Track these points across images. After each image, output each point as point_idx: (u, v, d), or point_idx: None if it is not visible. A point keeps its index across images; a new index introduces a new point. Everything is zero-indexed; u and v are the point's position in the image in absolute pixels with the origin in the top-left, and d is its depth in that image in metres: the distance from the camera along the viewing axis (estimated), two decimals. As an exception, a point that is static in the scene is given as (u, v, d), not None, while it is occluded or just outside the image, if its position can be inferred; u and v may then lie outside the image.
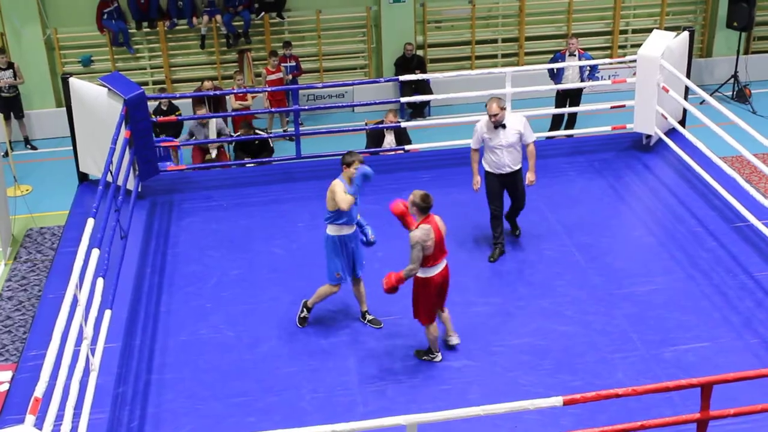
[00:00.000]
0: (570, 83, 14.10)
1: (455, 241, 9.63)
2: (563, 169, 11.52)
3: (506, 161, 9.27)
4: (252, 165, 12.90)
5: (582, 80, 14.20)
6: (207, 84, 15.23)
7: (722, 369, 7.72)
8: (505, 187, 9.48)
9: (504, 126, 9.15)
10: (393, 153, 12.55)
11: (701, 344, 8.12)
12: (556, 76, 14.33)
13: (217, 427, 7.45)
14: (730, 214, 10.12)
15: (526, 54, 18.17)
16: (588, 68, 14.23)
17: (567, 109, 14.08)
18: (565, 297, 8.88)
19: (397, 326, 8.53)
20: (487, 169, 9.40)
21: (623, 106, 12.35)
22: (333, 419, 6.19)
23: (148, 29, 17.18)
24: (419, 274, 7.71)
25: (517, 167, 9.37)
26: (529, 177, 9.42)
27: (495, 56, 18.26)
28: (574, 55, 14.29)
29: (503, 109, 9.10)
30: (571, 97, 14.45)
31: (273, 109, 14.69)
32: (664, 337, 8.25)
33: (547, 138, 12.74)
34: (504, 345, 8.22)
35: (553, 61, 14.43)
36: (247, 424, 7.37)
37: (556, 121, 14.56)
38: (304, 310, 8.63)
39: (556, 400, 6.02)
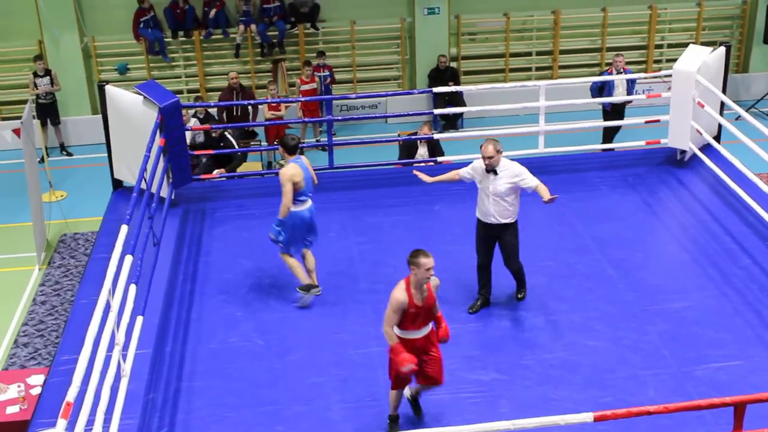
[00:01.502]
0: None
1: (471, 251, 9.61)
2: (596, 184, 11.47)
3: (491, 210, 8.55)
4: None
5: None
6: (232, 75, 15.33)
7: (755, 388, 7.62)
8: (494, 240, 8.74)
9: (495, 173, 8.48)
10: (425, 165, 12.54)
11: (734, 363, 8.03)
12: (603, 93, 14.11)
13: (246, 436, 7.47)
14: (765, 231, 10.01)
15: (560, 67, 18.15)
16: (631, 83, 14.14)
17: (601, 123, 13.96)
18: (597, 312, 8.82)
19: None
20: (477, 214, 8.79)
21: (658, 120, 12.27)
22: (361, 430, 6.17)
23: (183, 38, 17.35)
24: None
25: (505, 221, 8.57)
26: (546, 196, 8.41)
27: (529, 69, 18.25)
28: (621, 73, 14.10)
29: (499, 152, 8.47)
30: (618, 112, 14.29)
31: (306, 119, 14.74)
32: (697, 354, 8.17)
33: (590, 151, 12.74)
34: (534, 359, 8.18)
35: (597, 84, 14.24)
36: (276, 433, 7.39)
37: (608, 135, 14.34)
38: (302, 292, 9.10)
39: (587, 416, 5.98)
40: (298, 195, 8.85)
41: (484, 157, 8.47)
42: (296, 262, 9.08)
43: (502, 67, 18.10)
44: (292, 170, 8.77)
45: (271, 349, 8.48)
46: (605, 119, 14.36)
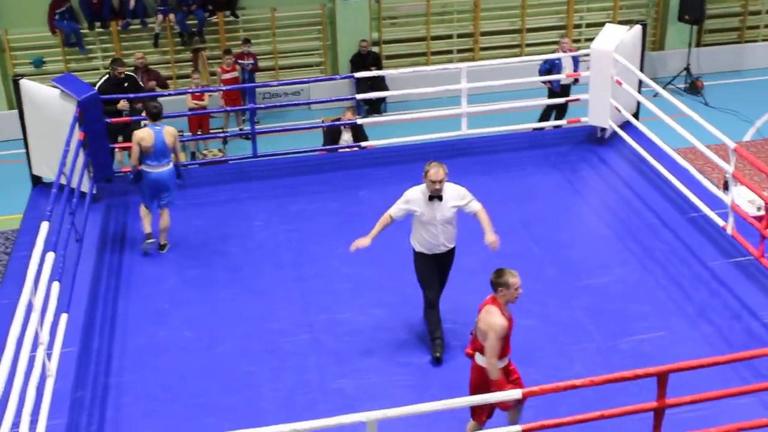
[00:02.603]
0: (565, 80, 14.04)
1: (407, 237, 9.67)
2: (520, 163, 11.59)
3: (442, 239, 7.84)
4: (207, 164, 12.82)
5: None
6: (138, 55, 15.04)
7: (678, 358, 7.79)
8: (440, 268, 8.08)
9: (440, 198, 7.74)
10: (349, 150, 12.54)
11: (657, 334, 8.21)
12: (551, 72, 14.13)
13: (178, 429, 7.40)
14: (685, 205, 10.23)
15: (482, 49, 18.26)
16: (575, 62, 14.21)
17: (529, 103, 13.98)
18: (524, 290, 8.88)
19: (355, 324, 8.53)
20: (418, 249, 7.93)
21: (578, 99, 12.44)
22: (294, 418, 6.17)
23: (101, 29, 17.04)
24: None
25: (452, 245, 8.01)
26: (490, 238, 7.82)
27: (450, 52, 18.32)
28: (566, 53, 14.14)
29: (446, 173, 7.68)
30: (564, 92, 14.35)
31: (228, 108, 14.61)
32: (621, 328, 8.33)
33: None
34: (464, 340, 8.23)
35: (547, 67, 14.29)
36: (208, 425, 7.34)
37: (547, 115, 14.45)
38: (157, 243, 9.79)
39: (516, 393, 6.07)
40: (146, 158, 9.55)
41: (432, 182, 7.60)
42: (145, 212, 9.80)
43: (424, 50, 18.15)
44: (142, 134, 9.54)
45: (200, 341, 8.41)
46: (551, 98, 14.47)
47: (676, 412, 6.56)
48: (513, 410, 6.64)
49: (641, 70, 11.79)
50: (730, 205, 9.33)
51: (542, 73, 14.33)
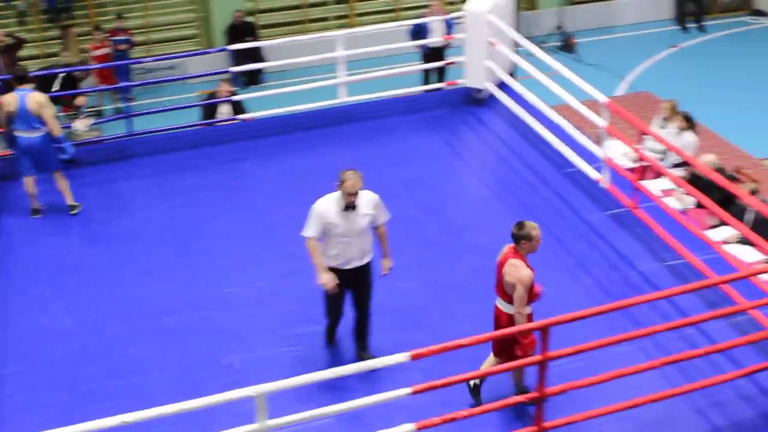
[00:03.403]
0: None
1: (293, 207, 9.66)
2: (400, 127, 11.65)
3: (354, 253, 7.22)
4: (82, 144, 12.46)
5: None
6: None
7: (561, 311, 7.93)
8: (348, 286, 7.40)
9: (354, 207, 7.20)
10: (228, 123, 12.38)
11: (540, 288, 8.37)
12: (420, 36, 14.10)
13: (66, 418, 7.13)
14: (561, 161, 10.46)
15: (357, 15, 18.21)
16: (448, 25, 14.19)
17: (406, 68, 14.03)
18: (408, 254, 8.99)
19: (242, 299, 8.48)
20: (330, 264, 7.26)
21: (454, 62, 12.53)
22: (184, 397, 6.09)
23: (-40, 9, 16.37)
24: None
25: (367, 260, 7.35)
26: (386, 263, 7.45)
27: (326, 19, 18.22)
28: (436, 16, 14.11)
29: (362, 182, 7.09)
30: (437, 54, 14.35)
31: (102, 87, 14.24)
32: (505, 285, 8.47)
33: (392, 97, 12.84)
34: (349, 307, 8.26)
35: (416, 30, 14.27)
36: (97, 411, 7.12)
37: (426, 79, 14.44)
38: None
39: (404, 356, 6.11)
40: (15, 123, 9.60)
41: (347, 194, 7.03)
42: (30, 185, 9.87)
43: (301, 17, 18.00)
44: (8, 98, 9.59)
45: (84, 326, 8.23)
46: (425, 62, 14.49)
47: (560, 364, 6.73)
48: (516, 371, 6.89)
49: (515, 30, 11.94)
50: (604, 159, 9.58)
51: (412, 36, 14.36)
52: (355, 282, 7.36)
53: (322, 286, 7.22)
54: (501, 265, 6.82)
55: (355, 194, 7.03)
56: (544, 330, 6.21)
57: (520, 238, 6.73)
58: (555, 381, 6.57)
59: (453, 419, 6.25)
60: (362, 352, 7.57)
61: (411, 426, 6.19)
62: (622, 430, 6.83)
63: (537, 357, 6.32)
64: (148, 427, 6.18)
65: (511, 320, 6.75)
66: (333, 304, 7.45)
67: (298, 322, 8.11)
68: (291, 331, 8.02)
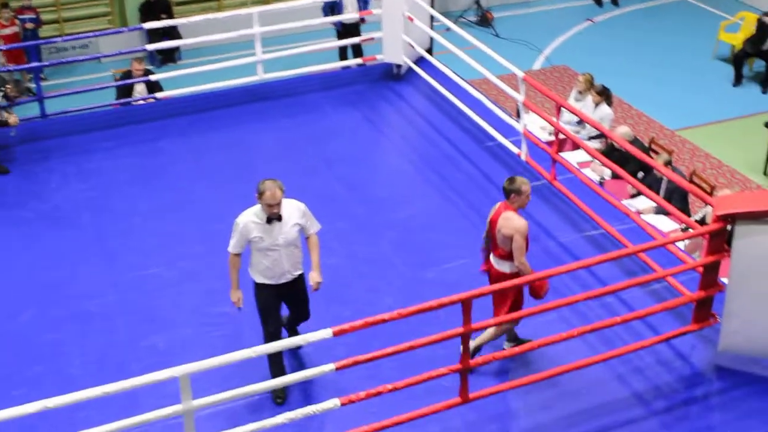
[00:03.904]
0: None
1: (212, 186, 9.56)
2: (319, 104, 11.59)
3: (285, 266, 6.87)
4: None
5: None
6: None
7: (483, 282, 8.07)
8: (283, 299, 7.10)
9: (280, 218, 6.83)
10: (144, 102, 12.17)
11: (462, 261, 8.45)
12: (333, 12, 14.00)
13: (-18, 406, 7.07)
14: (481, 135, 10.53)
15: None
16: (363, 1, 14.12)
17: (322, 44, 13.90)
18: (330, 229, 8.94)
19: (163, 279, 8.37)
20: (259, 280, 6.92)
21: (372, 38, 12.49)
22: (105, 381, 5.99)
23: None
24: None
25: (299, 272, 7.02)
26: (315, 277, 6.96)
27: (243, -5, 17.96)
28: None
29: (283, 191, 6.72)
30: (352, 31, 14.26)
31: (12, 67, 13.82)
32: (427, 258, 8.54)
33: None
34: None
35: (329, 6, 14.11)
36: (15, 397, 6.98)
37: (342, 55, 14.36)
38: None
39: (326, 333, 6.08)
40: None
41: (267, 205, 6.64)
42: None
43: (216, -5, 17.72)
44: None
45: (-1, 312, 8.04)
46: (339, 38, 14.40)
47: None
48: (494, 328, 7.05)
49: (432, 5, 11.95)
50: (523, 132, 9.67)
51: (324, 13, 14.26)
52: (289, 295, 7.07)
53: (237, 303, 6.99)
54: (494, 221, 6.98)
55: (277, 205, 6.64)
56: (465, 303, 6.25)
57: (510, 192, 6.89)
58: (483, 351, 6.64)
59: (378, 393, 6.26)
60: (292, 332, 7.39)
61: (336, 401, 6.19)
62: (545, 399, 6.94)
63: (459, 329, 6.36)
64: (71, 413, 6.10)
65: (503, 278, 6.90)
66: (268, 317, 7.00)
67: (220, 301, 8.00)
68: (214, 310, 7.95)
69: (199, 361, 5.82)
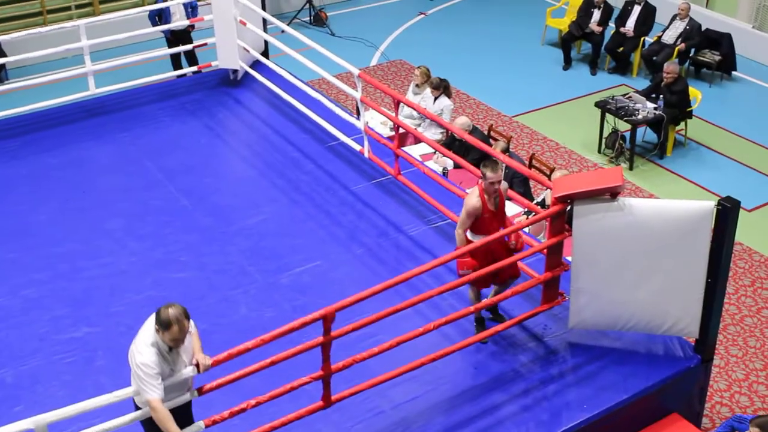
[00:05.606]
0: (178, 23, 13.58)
1: (48, 209, 9.24)
2: (156, 116, 11.34)
3: (187, 395, 5.96)
4: None
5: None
6: None
7: (336, 282, 8.13)
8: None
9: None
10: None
11: (314, 264, 8.43)
12: (162, 21, 13.67)
13: None
14: (323, 135, 10.53)
15: (101, 2, 17.51)
16: (191, 8, 13.83)
17: (154, 54, 13.60)
18: (178, 244, 8.80)
19: (7, 309, 8.02)
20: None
21: (206, 44, 12.31)
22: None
23: None
24: None
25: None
26: (203, 360, 5.81)
27: (69, 8, 17.40)
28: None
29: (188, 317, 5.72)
30: (183, 39, 13.94)
31: None
32: (279, 263, 8.47)
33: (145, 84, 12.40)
34: (123, 304, 8.01)
35: (155, 14, 13.78)
36: None
37: (176, 64, 14.03)
38: None
39: (198, 425, 5.92)
40: None
41: (173, 340, 5.60)
42: None
43: (39, 9, 17.09)
44: None
45: None
46: (170, 47, 14.08)
47: (344, 340, 6.75)
48: (471, 289, 7.42)
49: (263, 8, 11.87)
50: (364, 129, 9.72)
51: (152, 21, 13.97)
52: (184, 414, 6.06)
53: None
54: None
55: (181, 339, 5.66)
56: (326, 318, 6.16)
57: (481, 173, 7.12)
58: (346, 355, 6.56)
59: (242, 410, 6.16)
60: None
61: (200, 424, 6.03)
62: (407, 391, 6.99)
63: (319, 339, 6.29)
64: None
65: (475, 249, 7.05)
66: None
67: (69, 327, 7.76)
68: (63, 337, 7.66)
69: (55, 411, 5.51)
